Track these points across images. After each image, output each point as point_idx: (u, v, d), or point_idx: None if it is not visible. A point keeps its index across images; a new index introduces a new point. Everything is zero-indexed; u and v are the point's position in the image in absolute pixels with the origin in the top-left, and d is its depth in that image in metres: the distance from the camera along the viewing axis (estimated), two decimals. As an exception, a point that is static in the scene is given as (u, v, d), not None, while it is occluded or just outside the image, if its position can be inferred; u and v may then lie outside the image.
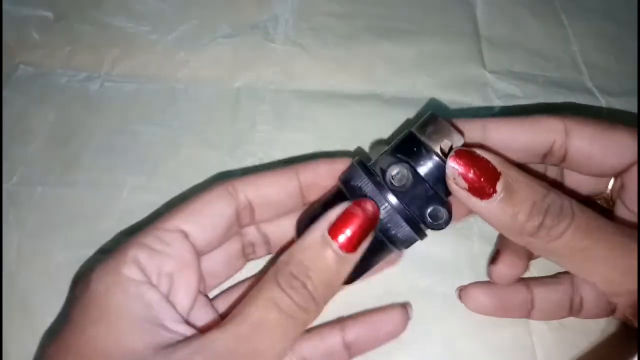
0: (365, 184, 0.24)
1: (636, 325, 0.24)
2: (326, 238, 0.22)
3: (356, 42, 0.40)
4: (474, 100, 0.38)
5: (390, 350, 0.29)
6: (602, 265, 0.23)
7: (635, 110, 0.37)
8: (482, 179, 0.22)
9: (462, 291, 0.29)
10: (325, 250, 0.22)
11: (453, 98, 0.38)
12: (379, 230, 0.24)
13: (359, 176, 0.24)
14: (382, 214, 0.23)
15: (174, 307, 0.23)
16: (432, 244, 0.31)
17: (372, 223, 0.22)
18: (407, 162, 0.23)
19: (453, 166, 0.22)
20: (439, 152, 0.23)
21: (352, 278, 0.24)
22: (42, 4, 0.40)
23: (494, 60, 0.40)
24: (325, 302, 0.22)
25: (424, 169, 0.23)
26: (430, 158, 0.23)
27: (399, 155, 0.24)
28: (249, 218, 0.26)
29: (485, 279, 0.30)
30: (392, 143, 0.25)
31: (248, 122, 0.36)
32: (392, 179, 0.23)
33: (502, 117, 0.27)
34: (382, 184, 0.23)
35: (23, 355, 0.29)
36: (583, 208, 0.23)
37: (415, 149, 0.24)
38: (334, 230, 0.22)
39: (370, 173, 0.24)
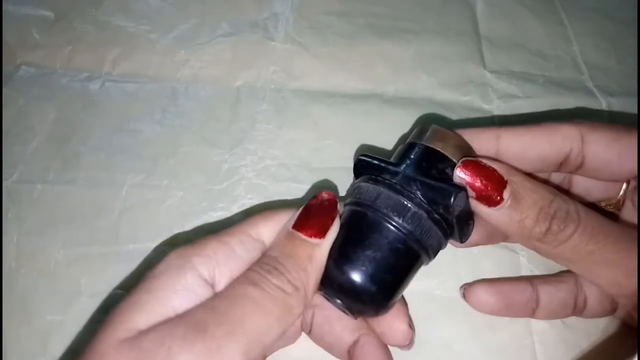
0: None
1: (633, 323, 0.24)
2: (292, 232, 0.23)
3: (356, 41, 0.40)
4: (474, 100, 0.38)
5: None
6: (608, 267, 0.23)
7: (635, 110, 0.37)
8: (489, 188, 0.23)
9: (466, 290, 0.29)
10: (292, 241, 0.23)
11: (453, 97, 0.38)
12: (412, 241, 0.23)
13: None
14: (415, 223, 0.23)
15: None
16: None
17: (330, 207, 0.23)
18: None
19: (460, 176, 0.23)
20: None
21: (390, 292, 0.24)
22: (42, 4, 0.40)
23: (494, 59, 0.40)
24: (305, 287, 0.22)
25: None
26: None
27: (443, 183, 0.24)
28: None
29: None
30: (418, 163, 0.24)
31: (248, 121, 0.36)
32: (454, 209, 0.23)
33: (515, 126, 0.27)
34: (410, 195, 0.23)
35: (23, 354, 0.29)
36: (589, 212, 0.23)
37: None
38: (299, 225, 0.23)
39: (398, 191, 0.24)
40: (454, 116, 0.37)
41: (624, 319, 0.29)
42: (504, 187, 0.23)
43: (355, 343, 0.26)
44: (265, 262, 0.22)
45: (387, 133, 0.36)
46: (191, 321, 0.20)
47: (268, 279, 0.21)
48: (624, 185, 0.28)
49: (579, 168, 0.27)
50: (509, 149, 0.26)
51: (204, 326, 0.20)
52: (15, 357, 0.29)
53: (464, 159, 0.23)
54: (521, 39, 0.41)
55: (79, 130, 0.36)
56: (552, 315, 0.29)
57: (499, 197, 0.22)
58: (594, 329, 0.29)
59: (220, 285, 0.22)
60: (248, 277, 0.22)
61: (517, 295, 0.28)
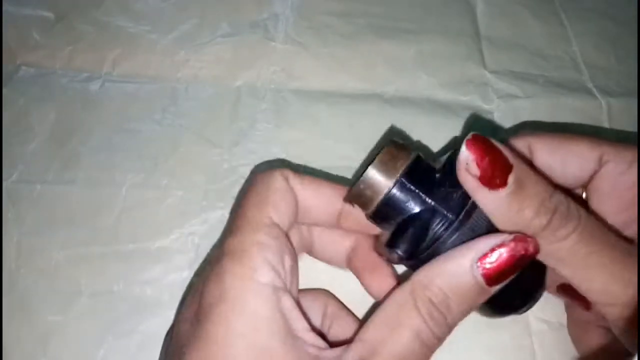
0: None
1: (623, 340, 0.23)
2: (475, 269, 0.21)
3: (356, 41, 0.40)
4: (474, 100, 0.38)
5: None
6: (603, 273, 0.22)
7: (635, 110, 0.37)
8: (493, 169, 0.21)
9: None
10: (471, 280, 0.21)
11: (453, 98, 0.38)
12: None
13: None
14: None
15: (303, 313, 0.22)
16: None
17: (527, 262, 0.21)
18: None
19: (467, 151, 0.21)
20: None
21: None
22: (42, 5, 0.40)
23: (494, 59, 0.40)
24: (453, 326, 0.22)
25: None
26: None
27: None
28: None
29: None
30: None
31: (248, 121, 0.36)
32: None
33: None
34: None
35: (23, 354, 0.29)
36: (588, 214, 0.22)
37: None
38: (483, 260, 0.21)
39: None
40: (454, 116, 0.37)
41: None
42: (510, 171, 0.21)
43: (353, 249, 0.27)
44: (432, 302, 0.21)
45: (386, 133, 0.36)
46: None
47: (434, 332, 0.21)
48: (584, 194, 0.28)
49: None
50: None
51: None
52: (16, 357, 0.29)
53: (472, 133, 0.22)
54: (521, 39, 0.41)
55: (78, 130, 0.36)
56: None
57: (501, 181, 0.21)
58: (593, 329, 0.29)
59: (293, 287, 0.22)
60: (414, 326, 0.21)
61: None
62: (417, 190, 0.23)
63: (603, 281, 0.22)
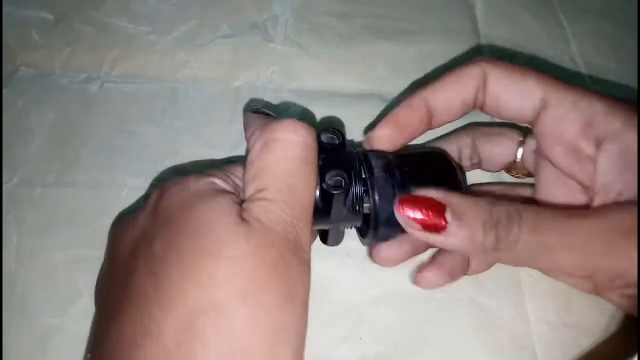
0: None
1: (612, 303, 0.24)
2: None
3: (356, 41, 0.40)
4: (474, 100, 0.38)
5: (389, 354, 0.29)
6: (562, 252, 0.23)
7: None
8: (430, 215, 0.23)
9: (417, 277, 0.29)
10: None
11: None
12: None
13: None
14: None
15: None
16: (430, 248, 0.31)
17: None
18: None
19: (400, 215, 0.23)
20: None
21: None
22: (42, 6, 0.40)
23: (493, 60, 0.40)
24: None
25: None
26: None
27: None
28: None
29: (486, 282, 0.30)
30: None
31: (248, 122, 0.36)
32: None
33: (432, 83, 0.27)
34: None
35: (23, 356, 0.29)
36: (527, 206, 0.23)
37: None
38: None
39: None
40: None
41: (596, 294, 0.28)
42: (445, 210, 0.23)
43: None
44: None
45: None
46: None
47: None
48: (520, 150, 0.28)
49: (483, 105, 0.27)
50: (437, 107, 0.27)
51: None
52: (15, 358, 0.29)
53: (397, 198, 0.23)
54: (521, 39, 0.41)
55: (78, 131, 0.36)
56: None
57: (443, 222, 0.23)
58: (594, 329, 0.29)
59: None
60: None
61: (454, 263, 0.28)
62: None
63: (565, 259, 0.23)
